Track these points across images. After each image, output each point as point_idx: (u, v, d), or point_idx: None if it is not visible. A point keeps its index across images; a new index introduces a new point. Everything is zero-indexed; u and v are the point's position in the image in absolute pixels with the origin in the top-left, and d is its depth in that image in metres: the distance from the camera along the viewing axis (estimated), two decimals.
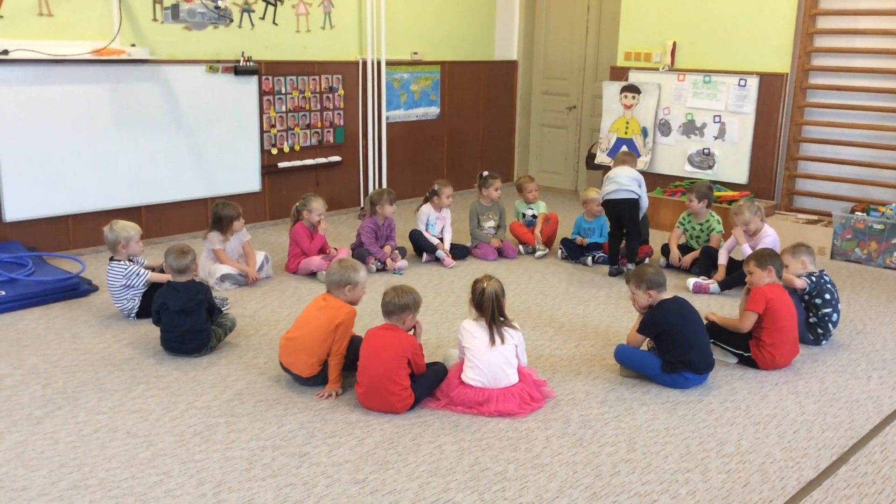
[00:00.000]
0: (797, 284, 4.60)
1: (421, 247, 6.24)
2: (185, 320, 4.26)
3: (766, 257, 4.43)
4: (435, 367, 3.88)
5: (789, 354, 4.32)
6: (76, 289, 5.23)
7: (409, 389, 3.69)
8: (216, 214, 5.53)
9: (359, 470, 3.23)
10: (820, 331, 4.64)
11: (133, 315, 4.83)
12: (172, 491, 3.06)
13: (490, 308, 3.72)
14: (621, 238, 6.03)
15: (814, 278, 4.64)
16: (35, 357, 4.29)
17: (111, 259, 4.86)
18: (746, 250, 5.49)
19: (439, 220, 6.38)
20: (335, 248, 5.98)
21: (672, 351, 4.00)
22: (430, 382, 3.80)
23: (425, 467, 3.26)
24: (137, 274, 4.79)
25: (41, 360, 4.25)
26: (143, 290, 4.81)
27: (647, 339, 4.21)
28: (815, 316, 4.64)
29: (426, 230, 6.30)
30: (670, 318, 4.03)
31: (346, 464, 3.28)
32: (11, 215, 5.84)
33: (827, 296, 4.62)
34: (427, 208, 6.35)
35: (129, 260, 4.86)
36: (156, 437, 3.46)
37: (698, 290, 5.60)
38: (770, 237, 5.46)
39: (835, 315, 4.64)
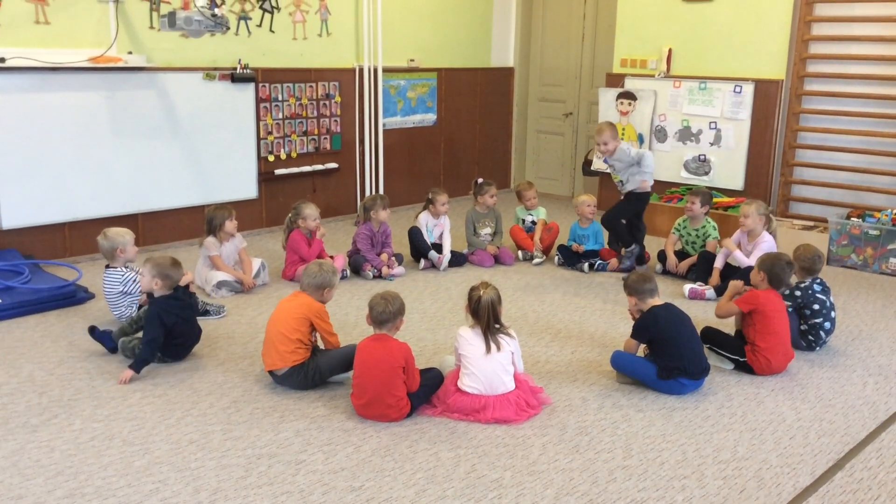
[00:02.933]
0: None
1: (417, 246, 6.24)
2: (195, 326, 4.43)
3: (761, 261, 4.50)
4: (431, 373, 3.88)
5: (784, 359, 4.33)
6: (73, 296, 5.23)
7: (406, 398, 3.69)
8: (208, 217, 5.56)
9: (355, 477, 3.23)
10: (811, 338, 4.65)
11: None
12: (168, 499, 3.05)
13: (486, 315, 3.71)
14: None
15: (797, 293, 4.65)
16: (31, 365, 4.28)
17: (107, 267, 4.86)
18: (740, 257, 5.52)
19: (437, 227, 6.39)
20: (331, 256, 5.92)
21: (666, 357, 4.01)
22: (426, 389, 3.79)
23: (422, 475, 3.26)
24: (134, 280, 4.78)
25: (37, 368, 4.24)
26: (139, 297, 4.81)
27: (643, 345, 4.22)
28: (805, 324, 4.65)
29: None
30: (660, 324, 4.04)
31: (343, 471, 3.27)
32: (8, 223, 5.84)
33: (816, 306, 4.61)
34: (425, 215, 6.37)
35: (125, 267, 4.86)
36: (152, 444, 3.46)
37: (694, 296, 5.60)
38: (766, 243, 5.48)
39: (826, 324, 4.64)
